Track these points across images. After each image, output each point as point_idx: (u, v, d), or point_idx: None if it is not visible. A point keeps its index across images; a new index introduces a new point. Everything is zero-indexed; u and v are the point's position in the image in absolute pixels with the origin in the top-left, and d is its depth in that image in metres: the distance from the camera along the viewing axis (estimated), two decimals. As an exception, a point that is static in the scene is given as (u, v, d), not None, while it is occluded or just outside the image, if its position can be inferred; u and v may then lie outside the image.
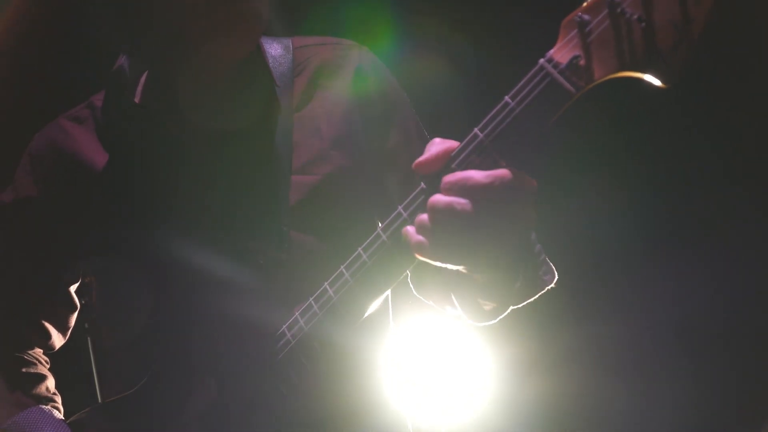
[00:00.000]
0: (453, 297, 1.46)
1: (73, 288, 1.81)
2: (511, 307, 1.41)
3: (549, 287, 1.44)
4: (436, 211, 1.16)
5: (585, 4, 1.14)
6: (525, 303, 1.42)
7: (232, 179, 1.60)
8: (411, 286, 1.74)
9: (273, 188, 1.58)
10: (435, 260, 1.19)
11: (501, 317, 1.43)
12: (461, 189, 1.15)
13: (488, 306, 1.40)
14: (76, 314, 1.87)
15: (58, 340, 1.86)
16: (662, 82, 1.09)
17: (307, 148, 1.62)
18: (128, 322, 1.66)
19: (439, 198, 1.17)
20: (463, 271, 1.24)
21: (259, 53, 1.65)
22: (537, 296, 1.43)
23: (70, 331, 1.89)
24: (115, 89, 1.67)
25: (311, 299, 1.37)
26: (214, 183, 1.61)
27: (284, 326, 1.41)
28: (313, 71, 1.67)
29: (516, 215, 1.15)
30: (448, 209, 1.15)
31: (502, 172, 1.14)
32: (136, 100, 1.69)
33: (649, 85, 1.11)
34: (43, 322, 1.80)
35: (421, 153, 1.67)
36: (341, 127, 1.63)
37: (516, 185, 1.14)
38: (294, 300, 1.49)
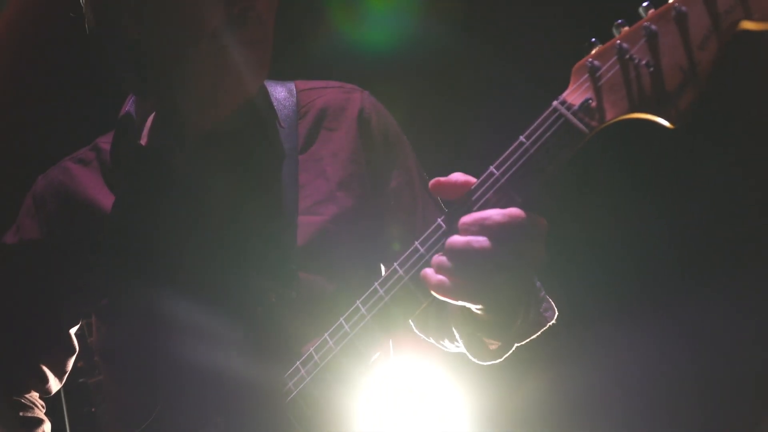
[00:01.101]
0: (458, 337, 1.49)
1: (73, 330, 1.80)
2: (516, 345, 1.45)
3: (550, 323, 1.47)
4: (455, 251, 1.21)
5: (595, 50, 1.21)
6: (527, 341, 1.46)
7: (239, 220, 1.62)
8: (411, 323, 1.76)
9: (281, 229, 1.60)
10: (454, 299, 1.22)
11: (506, 356, 1.47)
12: (479, 228, 1.19)
13: (493, 345, 1.43)
14: (73, 358, 1.85)
15: (54, 384, 1.83)
16: (670, 123, 1.15)
17: (313, 189, 1.65)
18: (130, 362, 1.65)
19: (457, 238, 1.21)
20: (478, 310, 1.27)
21: (264, 96, 1.69)
22: (539, 333, 1.47)
23: (66, 375, 1.86)
24: (122, 131, 1.69)
25: (326, 335, 1.38)
26: (221, 224, 1.62)
27: (298, 362, 1.41)
28: (318, 114, 1.72)
29: (528, 252, 1.20)
30: (467, 248, 1.19)
31: (517, 211, 1.19)
32: (142, 142, 1.72)
33: (659, 126, 1.17)
34: (42, 366, 1.78)
35: (421, 193, 1.73)
36: (346, 169, 1.67)
37: (529, 224, 1.19)
38: (303, 339, 1.50)
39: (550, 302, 1.50)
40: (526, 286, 1.27)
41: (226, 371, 1.50)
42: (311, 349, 1.39)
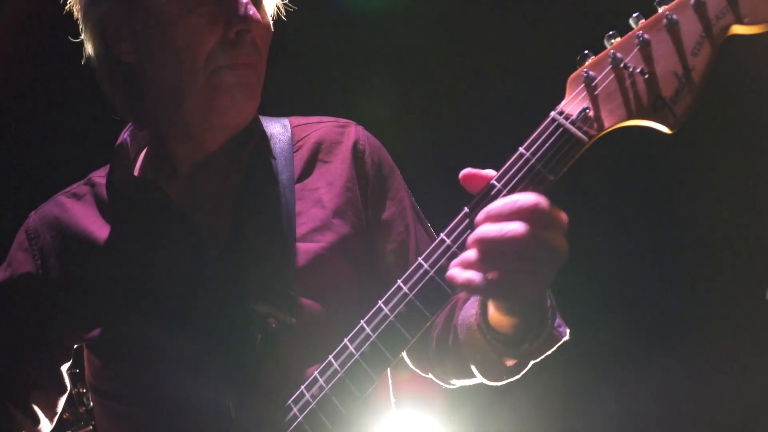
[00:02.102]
0: (470, 359, 1.47)
1: (65, 367, 1.76)
2: (531, 362, 1.43)
3: (564, 339, 1.45)
4: (487, 240, 1.16)
5: (589, 61, 1.23)
6: (542, 357, 1.44)
7: (236, 248, 1.61)
8: (410, 362, 1.74)
9: (278, 256, 1.59)
10: (486, 293, 1.19)
11: (521, 375, 1.45)
12: (510, 211, 1.15)
13: (510, 361, 1.41)
14: (64, 398, 1.81)
15: (45, 426, 1.78)
16: (669, 128, 1.17)
17: (310, 218, 1.65)
18: (128, 395, 1.61)
19: (489, 227, 1.16)
20: (504, 306, 1.26)
21: (258, 128, 1.69)
22: (553, 349, 1.45)
23: (57, 417, 1.82)
24: (118, 162, 1.69)
25: (330, 357, 1.36)
26: (219, 252, 1.61)
27: (302, 387, 1.38)
28: (313, 147, 1.74)
29: (556, 241, 1.17)
30: (500, 234, 1.14)
31: (543, 198, 1.17)
32: (136, 173, 1.71)
33: (657, 132, 1.19)
34: (33, 405, 1.73)
35: (414, 224, 1.73)
36: (342, 197, 1.68)
37: (554, 212, 1.17)
38: (305, 364, 1.48)
39: (561, 319, 1.48)
40: (550, 280, 1.23)
41: (228, 399, 1.47)
42: (315, 372, 1.37)
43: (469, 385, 1.63)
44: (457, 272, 1.19)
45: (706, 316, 3.39)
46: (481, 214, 1.18)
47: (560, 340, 1.41)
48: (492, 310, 1.34)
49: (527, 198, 1.16)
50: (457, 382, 1.66)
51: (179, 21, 1.50)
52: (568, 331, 1.44)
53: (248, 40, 1.53)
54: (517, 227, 1.14)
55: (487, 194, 1.25)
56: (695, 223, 3.35)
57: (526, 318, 1.31)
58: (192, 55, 1.51)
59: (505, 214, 1.16)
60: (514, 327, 1.33)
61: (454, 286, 1.21)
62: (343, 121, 1.80)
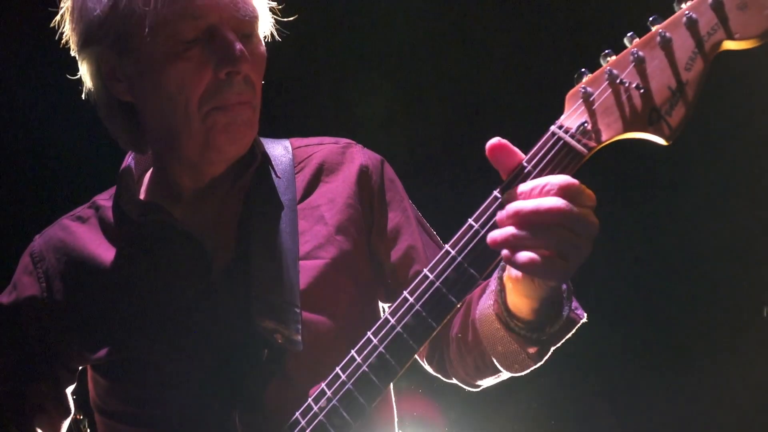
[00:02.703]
0: (493, 352, 1.49)
1: (69, 389, 1.76)
2: (552, 348, 1.45)
3: (582, 321, 1.46)
4: (524, 214, 1.18)
5: (586, 78, 1.28)
6: (562, 341, 1.45)
7: (241, 268, 1.63)
8: (433, 363, 1.75)
9: (283, 273, 1.61)
10: (532, 270, 1.20)
11: (542, 362, 1.47)
12: (543, 189, 1.19)
13: (532, 348, 1.43)
14: (67, 421, 1.80)
15: None
16: (664, 139, 1.21)
17: (313, 235, 1.68)
18: (134, 416, 1.61)
19: (524, 202, 1.19)
20: (526, 289, 1.29)
21: (259, 150, 1.72)
22: (572, 332, 1.46)
23: None
24: (123, 185, 1.71)
25: (338, 369, 1.38)
26: (224, 272, 1.63)
27: (310, 399, 1.40)
28: (315, 167, 1.77)
29: (590, 217, 1.20)
30: (539, 208, 1.17)
31: (572, 178, 1.21)
32: (141, 197, 1.74)
33: (653, 144, 1.23)
34: (37, 429, 1.73)
35: (420, 233, 1.76)
36: (344, 214, 1.71)
37: (585, 191, 1.21)
38: (311, 378, 1.49)
39: (576, 301, 1.49)
40: (587, 255, 1.23)
41: (236, 416, 1.47)
42: (323, 384, 1.39)
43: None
44: (498, 235, 1.21)
45: (707, 324, 3.42)
46: (513, 195, 1.21)
47: (578, 323, 1.43)
48: (511, 296, 1.37)
49: (558, 177, 1.20)
50: (482, 382, 1.66)
51: (169, 66, 1.50)
52: (585, 314, 1.45)
53: (239, 79, 1.53)
54: (554, 201, 1.17)
55: (492, 204, 1.28)
56: (696, 230, 3.40)
57: (546, 301, 1.33)
58: (184, 99, 1.52)
59: (538, 191, 1.20)
60: (534, 311, 1.36)
61: (494, 256, 1.23)
62: (344, 141, 1.84)
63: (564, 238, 1.18)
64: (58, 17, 1.65)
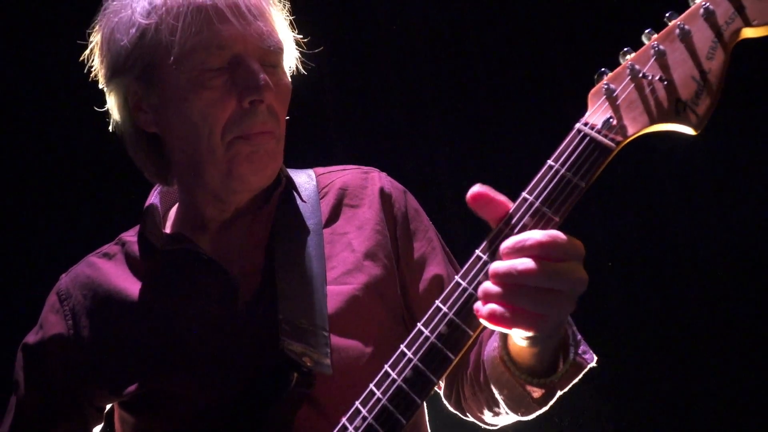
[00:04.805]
0: (498, 393, 1.46)
1: (97, 430, 1.73)
2: (559, 393, 1.42)
3: (591, 365, 1.44)
4: (500, 276, 1.18)
5: (608, 76, 1.29)
6: (569, 387, 1.43)
7: (269, 295, 1.61)
8: (450, 400, 1.72)
9: (311, 298, 1.60)
10: (507, 326, 1.19)
11: (547, 406, 1.44)
12: (521, 249, 1.18)
13: (537, 392, 1.40)
14: None
15: None
16: (692, 128, 1.21)
17: (340, 261, 1.67)
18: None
19: (500, 263, 1.19)
20: (527, 339, 1.26)
21: (283, 174, 1.73)
22: (579, 377, 1.43)
23: None
24: (150, 221, 1.71)
25: (371, 386, 1.34)
26: (252, 300, 1.62)
27: (344, 419, 1.36)
28: (338, 193, 1.78)
29: (573, 272, 1.19)
30: (511, 270, 1.17)
31: (557, 232, 1.20)
32: (167, 231, 1.74)
33: (681, 135, 1.23)
34: None
35: (445, 263, 1.74)
36: (372, 240, 1.70)
37: (569, 244, 1.19)
38: (341, 402, 1.46)
39: (586, 345, 1.48)
40: (571, 309, 1.25)
41: None
42: (357, 403, 1.35)
43: None
44: (479, 306, 1.20)
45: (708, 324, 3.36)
46: (503, 246, 1.20)
47: (586, 368, 1.39)
48: (512, 341, 1.35)
49: (539, 232, 1.18)
50: (496, 420, 1.63)
51: (193, 95, 1.52)
52: (595, 357, 1.42)
53: (262, 108, 1.55)
54: (527, 263, 1.16)
55: (521, 207, 1.26)
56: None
57: (547, 347, 1.31)
58: (208, 129, 1.54)
59: (515, 250, 1.18)
60: (535, 357, 1.33)
61: (477, 318, 1.21)
62: (366, 167, 1.85)
63: (539, 299, 1.16)
64: (87, 51, 1.69)
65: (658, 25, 1.28)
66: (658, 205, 3.34)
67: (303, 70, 1.76)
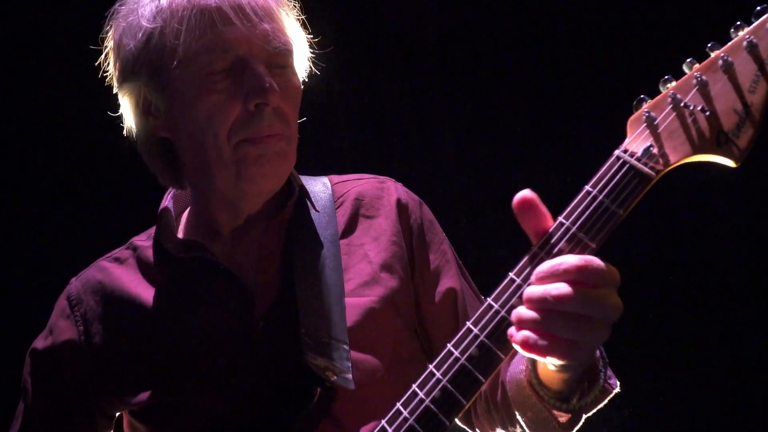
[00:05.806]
0: (522, 416, 1.45)
1: None
2: (584, 417, 1.41)
3: (615, 391, 1.44)
4: (533, 301, 1.16)
5: (648, 103, 1.29)
6: (594, 411, 1.42)
7: (286, 305, 1.59)
8: (469, 414, 1.71)
9: (329, 310, 1.58)
10: (541, 354, 1.17)
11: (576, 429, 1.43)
12: (556, 274, 1.17)
13: (563, 417, 1.39)
14: None
15: None
16: (733, 161, 1.21)
17: (357, 272, 1.65)
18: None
19: (534, 288, 1.18)
20: (558, 367, 1.24)
21: (297, 183, 1.71)
22: (605, 402, 1.43)
23: None
24: (164, 225, 1.69)
25: (398, 405, 1.33)
26: (269, 309, 1.60)
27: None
28: (354, 202, 1.76)
29: (608, 298, 1.17)
30: (545, 295, 1.15)
31: (592, 258, 1.18)
32: (180, 235, 1.71)
33: (721, 166, 1.23)
34: None
35: (457, 272, 1.73)
36: (388, 252, 1.69)
37: (605, 270, 1.18)
38: (363, 417, 1.45)
39: (611, 371, 1.47)
40: (605, 337, 1.24)
41: None
42: (383, 422, 1.33)
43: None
44: (513, 332, 1.18)
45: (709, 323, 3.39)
46: (537, 270, 1.18)
47: (611, 393, 1.39)
48: (542, 365, 1.33)
49: (574, 257, 1.16)
50: None
51: (198, 98, 1.52)
52: (618, 383, 1.41)
53: (268, 111, 1.53)
54: (563, 288, 1.14)
55: (557, 231, 1.25)
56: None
57: (577, 373, 1.30)
58: (214, 131, 1.52)
59: (549, 275, 1.16)
60: (565, 382, 1.32)
61: (510, 344, 1.20)
62: (381, 177, 1.83)
63: (573, 325, 1.14)
64: (102, 56, 1.66)
65: (676, 62, 1.27)
66: (664, 212, 3.34)
67: (315, 70, 1.73)
